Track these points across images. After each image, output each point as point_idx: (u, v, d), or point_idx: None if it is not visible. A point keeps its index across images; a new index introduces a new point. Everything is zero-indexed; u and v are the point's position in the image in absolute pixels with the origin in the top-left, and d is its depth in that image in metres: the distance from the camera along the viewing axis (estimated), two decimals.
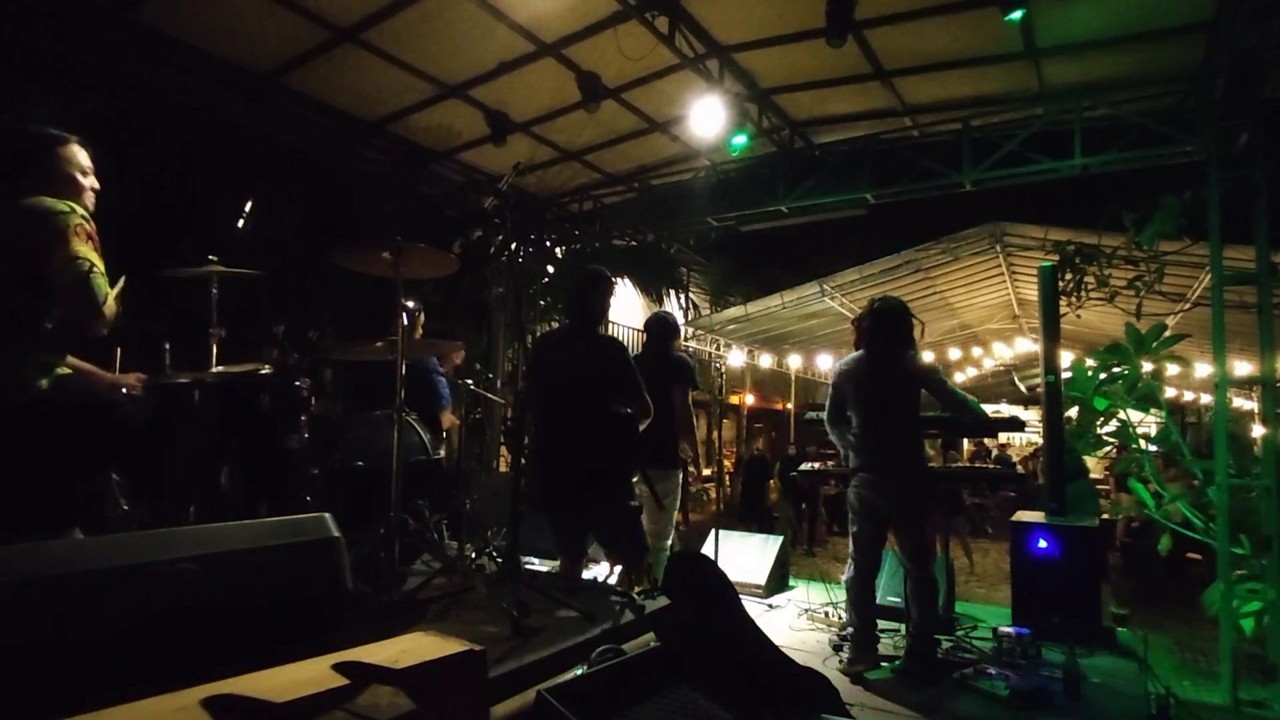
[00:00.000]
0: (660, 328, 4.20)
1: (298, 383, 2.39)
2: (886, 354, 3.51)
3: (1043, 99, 5.73)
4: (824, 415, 3.74)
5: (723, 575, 2.14)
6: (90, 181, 2.39)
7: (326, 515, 1.74)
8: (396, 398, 2.40)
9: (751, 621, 2.08)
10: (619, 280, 13.11)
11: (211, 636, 1.33)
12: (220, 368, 2.79)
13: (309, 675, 1.10)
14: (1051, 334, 4.70)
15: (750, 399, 17.60)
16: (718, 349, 11.11)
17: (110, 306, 2.24)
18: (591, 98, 5.66)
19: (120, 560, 1.31)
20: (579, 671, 1.87)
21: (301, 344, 2.50)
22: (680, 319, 15.04)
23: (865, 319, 3.60)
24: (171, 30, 5.18)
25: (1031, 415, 11.69)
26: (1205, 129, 5.18)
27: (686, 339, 10.53)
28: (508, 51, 5.49)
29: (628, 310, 13.76)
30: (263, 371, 2.31)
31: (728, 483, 13.90)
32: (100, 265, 2.19)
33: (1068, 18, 4.78)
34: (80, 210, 2.19)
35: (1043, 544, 4.14)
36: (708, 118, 5.56)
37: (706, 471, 17.53)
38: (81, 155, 2.40)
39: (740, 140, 5.94)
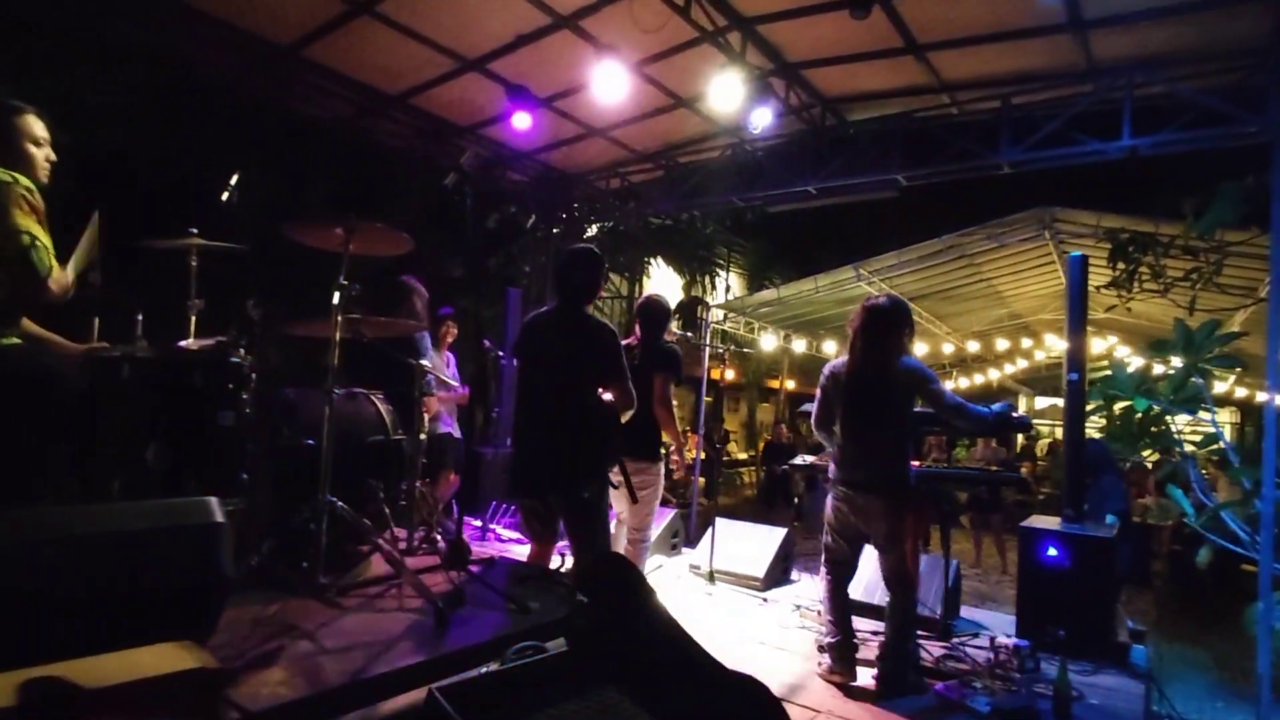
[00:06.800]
0: (653, 313, 4.05)
1: (235, 358, 2.39)
2: (874, 359, 3.24)
3: (1091, 75, 5.32)
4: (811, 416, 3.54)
5: (640, 576, 2.05)
6: (45, 152, 2.41)
7: (212, 499, 1.71)
8: (328, 377, 2.37)
9: (675, 625, 1.98)
10: (651, 261, 13.07)
11: (57, 622, 1.32)
12: (189, 340, 2.82)
13: None
14: (1078, 327, 4.39)
15: (791, 384, 17.33)
16: (752, 332, 10.86)
17: (58, 278, 2.26)
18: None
19: None
20: (485, 669, 1.82)
21: (242, 320, 2.49)
22: (721, 298, 14.85)
23: (855, 318, 3.35)
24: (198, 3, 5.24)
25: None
26: (1272, 107, 4.73)
27: (719, 321, 10.32)
28: (524, 24, 5.39)
29: (662, 289, 13.62)
30: (192, 347, 2.31)
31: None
32: (44, 238, 2.20)
33: None
34: (25, 182, 2.20)
35: (1052, 552, 3.90)
36: (728, 93, 5.36)
37: (743, 455, 17.43)
38: (37, 126, 2.41)
39: (764, 117, 5.68)
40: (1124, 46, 5.03)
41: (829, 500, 3.39)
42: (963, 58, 5.45)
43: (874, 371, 3.24)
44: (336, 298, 2.40)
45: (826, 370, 3.45)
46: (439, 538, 3.09)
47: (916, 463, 3.78)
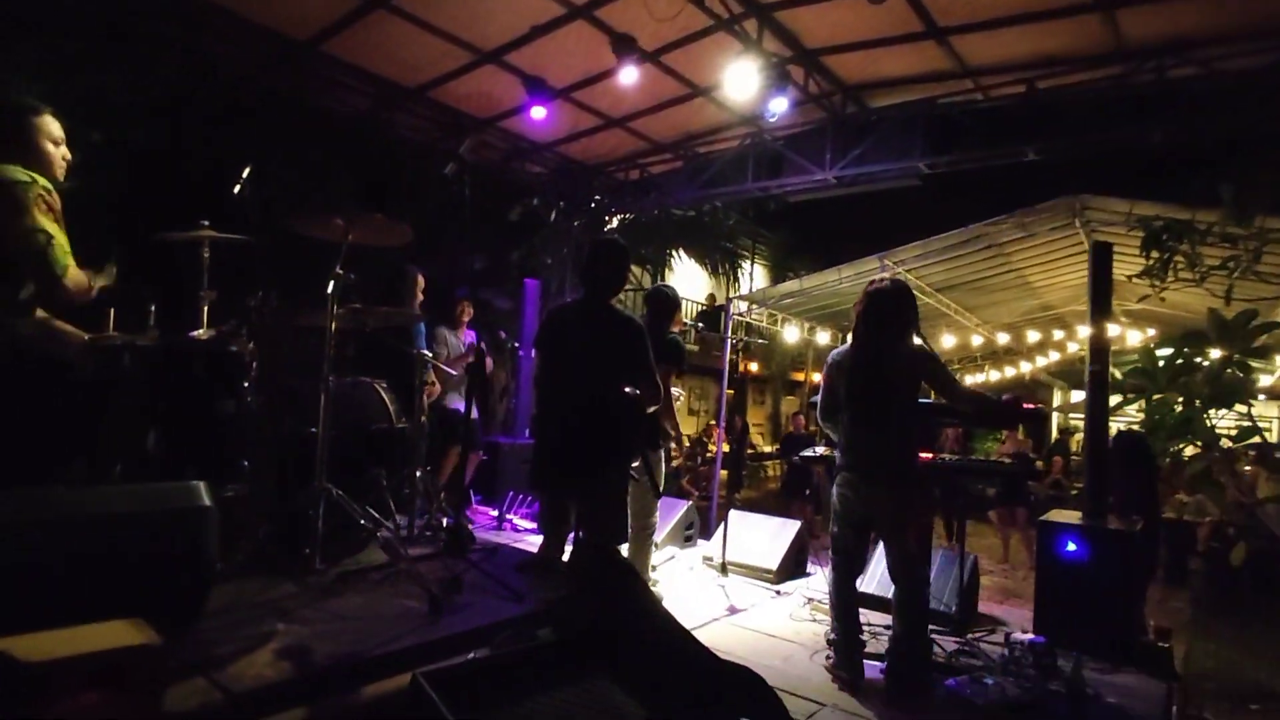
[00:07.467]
0: (659, 304, 4.03)
1: (235, 348, 2.42)
2: (878, 343, 3.17)
3: (1120, 57, 5.16)
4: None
5: (629, 568, 2.03)
6: (61, 152, 2.46)
7: (200, 484, 1.73)
8: (325, 365, 2.39)
9: (667, 617, 1.97)
10: (673, 253, 13.00)
11: (34, 603, 1.34)
12: (200, 331, 2.86)
13: None
14: (1101, 317, 4.27)
15: (816, 376, 17.17)
16: (775, 323, 10.74)
17: (73, 279, 2.30)
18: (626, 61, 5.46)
19: None
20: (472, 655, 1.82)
21: (244, 310, 2.52)
22: (745, 289, 14.72)
23: (858, 302, 3.28)
24: None
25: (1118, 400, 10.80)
26: None
27: (741, 314, 10.23)
28: (539, 14, 5.38)
29: (685, 282, 13.56)
30: (202, 337, 2.34)
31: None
32: (60, 237, 2.25)
33: None
34: (42, 181, 2.25)
35: (1071, 547, 3.80)
36: (744, 81, 5.28)
37: (768, 448, 17.30)
38: (54, 126, 2.47)
39: (780, 105, 5.60)
40: (1154, 26, 4.86)
41: (834, 489, 3.33)
42: (986, 41, 5.32)
43: (878, 355, 3.17)
44: (331, 286, 2.42)
45: (830, 359, 3.39)
46: (441, 525, 3.10)
47: (929, 455, 3.69)
